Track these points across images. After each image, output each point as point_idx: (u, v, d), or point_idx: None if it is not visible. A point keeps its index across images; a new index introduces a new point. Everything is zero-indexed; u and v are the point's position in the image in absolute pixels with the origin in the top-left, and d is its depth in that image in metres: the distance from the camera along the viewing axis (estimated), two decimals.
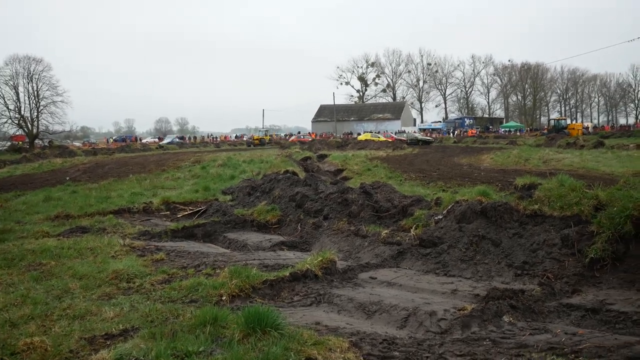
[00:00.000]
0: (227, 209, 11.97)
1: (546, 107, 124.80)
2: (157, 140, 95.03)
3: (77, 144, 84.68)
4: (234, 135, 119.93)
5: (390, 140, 61.94)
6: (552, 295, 5.95)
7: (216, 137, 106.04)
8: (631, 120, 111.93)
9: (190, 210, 12.67)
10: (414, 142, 58.06)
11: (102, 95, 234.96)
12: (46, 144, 67.08)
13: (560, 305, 5.57)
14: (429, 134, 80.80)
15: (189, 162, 31.05)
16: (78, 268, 7.02)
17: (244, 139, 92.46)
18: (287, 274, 6.45)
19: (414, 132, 77.91)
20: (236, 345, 4.00)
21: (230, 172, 23.05)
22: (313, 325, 4.90)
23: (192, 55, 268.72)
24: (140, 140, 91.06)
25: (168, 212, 12.90)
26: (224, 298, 5.60)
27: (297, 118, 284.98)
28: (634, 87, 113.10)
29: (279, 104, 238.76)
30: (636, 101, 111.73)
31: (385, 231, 9.11)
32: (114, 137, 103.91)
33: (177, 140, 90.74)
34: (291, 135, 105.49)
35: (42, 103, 69.14)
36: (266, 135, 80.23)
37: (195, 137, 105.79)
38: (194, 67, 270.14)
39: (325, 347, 4.07)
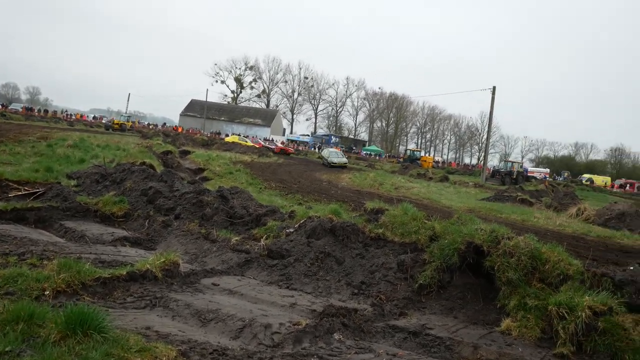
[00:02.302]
0: (70, 195, 11.08)
1: (405, 137, 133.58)
2: None
3: None
4: (93, 115, 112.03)
5: (257, 146, 62.00)
6: (382, 316, 6.32)
7: (71, 115, 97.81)
8: (474, 161, 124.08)
9: (26, 190, 11.50)
10: (325, 164, 45.63)
11: None
12: None
13: (387, 326, 5.93)
14: (294, 146, 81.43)
15: (33, 137, 28.29)
16: None
17: (103, 121, 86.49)
18: (124, 273, 6.10)
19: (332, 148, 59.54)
20: (50, 347, 3.67)
21: (81, 155, 21.41)
22: (143, 330, 4.68)
23: (58, 20, 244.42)
24: None
25: None
26: (47, 293, 5.12)
27: (165, 109, 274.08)
28: (480, 131, 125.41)
29: (147, 91, 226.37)
30: (480, 144, 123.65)
31: (236, 238, 9.05)
32: None
33: None
34: (156, 125, 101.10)
35: None
36: (128, 121, 75.85)
37: (46, 111, 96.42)
38: (56, 35, 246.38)
39: (151, 355, 3.90)
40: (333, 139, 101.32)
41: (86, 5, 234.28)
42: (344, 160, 48.24)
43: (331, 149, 56.25)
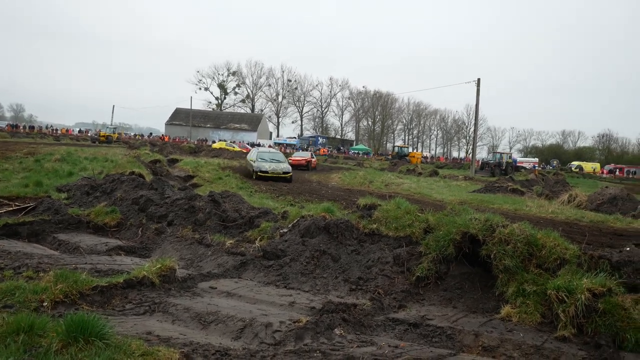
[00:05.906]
0: (61, 208, 11.01)
1: (392, 134, 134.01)
2: None
3: None
4: (78, 129, 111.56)
5: (245, 151, 61.93)
6: (381, 310, 6.34)
7: (56, 130, 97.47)
8: (462, 154, 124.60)
9: (17, 206, 11.41)
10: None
11: None
12: None
13: (387, 319, 5.95)
14: (283, 149, 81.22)
15: (20, 153, 28.09)
16: None
17: (89, 134, 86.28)
18: (121, 281, 6.08)
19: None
20: (53, 355, 3.65)
21: (69, 168, 21.23)
22: (144, 335, 4.67)
23: (35, 38, 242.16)
24: None
25: None
26: (45, 304, 5.10)
27: (151, 119, 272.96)
28: (467, 124, 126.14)
29: (131, 102, 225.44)
30: (468, 137, 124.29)
31: (230, 241, 9.04)
32: None
33: None
34: (142, 135, 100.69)
35: None
36: (114, 133, 75.55)
37: (32, 127, 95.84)
38: (35, 51, 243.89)
39: (154, 358, 3.89)
40: (320, 139, 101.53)
41: (64, 21, 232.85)
42: (282, 166, 27.98)
43: (261, 148, 36.01)
